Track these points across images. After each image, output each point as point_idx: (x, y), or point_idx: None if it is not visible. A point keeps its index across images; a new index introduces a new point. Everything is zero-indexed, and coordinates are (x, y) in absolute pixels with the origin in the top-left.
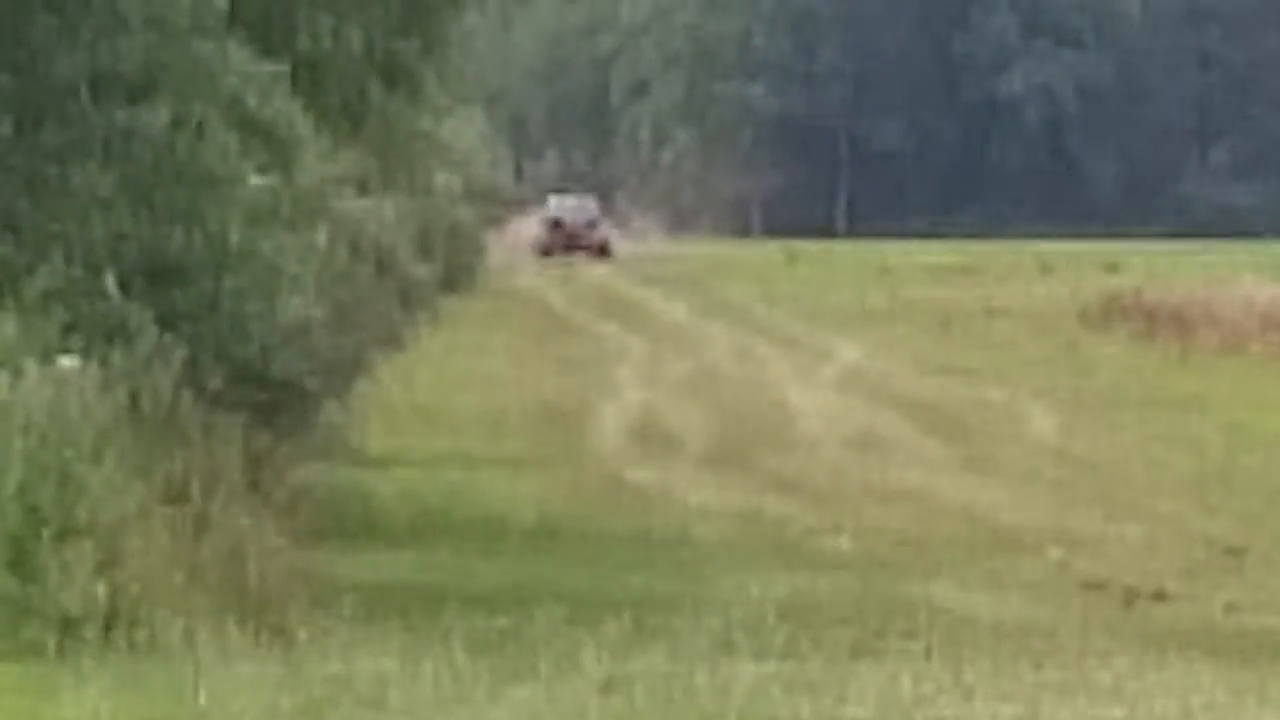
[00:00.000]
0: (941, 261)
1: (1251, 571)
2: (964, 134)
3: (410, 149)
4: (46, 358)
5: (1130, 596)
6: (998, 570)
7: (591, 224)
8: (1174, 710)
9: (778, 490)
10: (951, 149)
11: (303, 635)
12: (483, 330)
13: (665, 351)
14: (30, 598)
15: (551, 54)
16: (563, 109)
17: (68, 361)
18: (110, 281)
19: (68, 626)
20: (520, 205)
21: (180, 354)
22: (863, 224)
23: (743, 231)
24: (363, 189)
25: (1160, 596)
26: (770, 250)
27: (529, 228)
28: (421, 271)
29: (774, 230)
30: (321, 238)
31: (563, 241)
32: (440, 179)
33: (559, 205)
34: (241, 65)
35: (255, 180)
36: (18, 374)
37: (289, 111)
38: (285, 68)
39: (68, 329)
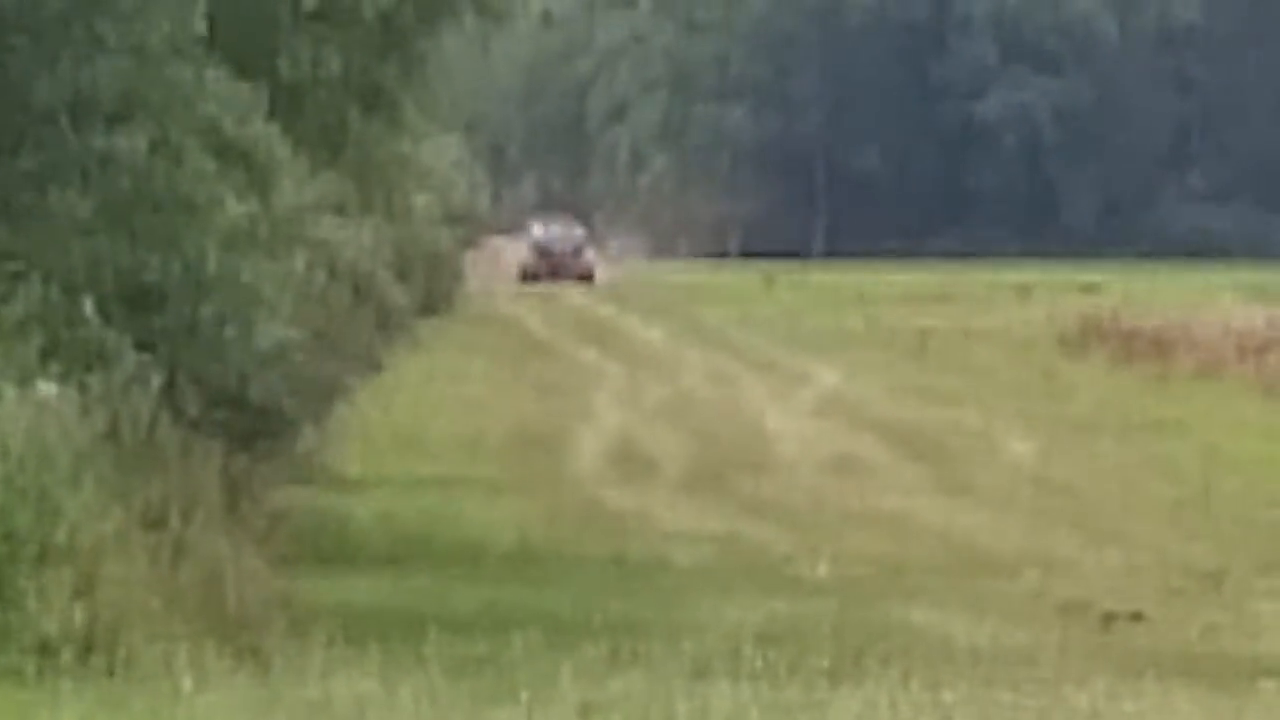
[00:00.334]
0: (919, 285)
1: (1229, 595)
2: (942, 158)
3: (388, 173)
4: (25, 382)
5: (1108, 620)
6: (975, 594)
7: (578, 251)
8: None
9: (755, 514)
10: (929, 173)
11: (280, 659)
12: (461, 354)
13: (643, 376)
14: (8, 622)
15: (529, 78)
16: (540, 133)
17: (46, 386)
18: (88, 306)
19: (46, 650)
20: (499, 229)
21: (158, 379)
22: (841, 247)
23: (721, 254)
24: (341, 213)
25: (1138, 620)
26: (748, 274)
27: (514, 252)
28: (399, 296)
29: (752, 253)
30: (299, 262)
31: (549, 269)
32: (419, 203)
33: (546, 232)
34: (219, 90)
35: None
36: None
37: (267, 136)
38: (263, 92)
39: (46, 354)
